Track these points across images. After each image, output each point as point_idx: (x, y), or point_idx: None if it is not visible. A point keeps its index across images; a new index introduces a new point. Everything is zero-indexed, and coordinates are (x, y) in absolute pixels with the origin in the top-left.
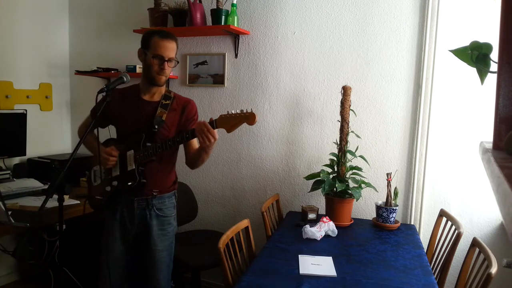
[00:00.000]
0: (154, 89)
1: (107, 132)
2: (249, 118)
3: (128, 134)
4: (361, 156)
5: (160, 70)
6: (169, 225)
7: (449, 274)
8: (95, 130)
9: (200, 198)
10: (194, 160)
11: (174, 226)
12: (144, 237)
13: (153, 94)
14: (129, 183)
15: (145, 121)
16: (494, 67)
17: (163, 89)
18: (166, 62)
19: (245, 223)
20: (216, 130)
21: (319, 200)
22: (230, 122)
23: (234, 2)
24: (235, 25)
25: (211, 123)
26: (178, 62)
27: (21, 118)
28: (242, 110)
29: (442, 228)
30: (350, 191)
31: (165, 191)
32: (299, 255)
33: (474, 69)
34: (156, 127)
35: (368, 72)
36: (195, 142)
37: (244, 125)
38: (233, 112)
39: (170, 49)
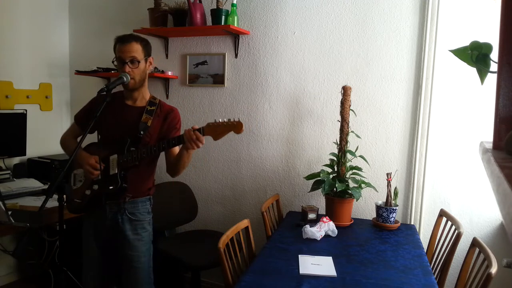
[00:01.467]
0: (135, 94)
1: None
2: (236, 127)
3: (112, 139)
4: (361, 156)
5: (121, 73)
6: (143, 229)
7: (449, 274)
8: (79, 137)
9: (200, 198)
10: (175, 165)
11: (150, 231)
12: (119, 242)
13: (135, 99)
14: (111, 187)
15: (130, 126)
16: (494, 67)
17: (147, 95)
18: (126, 64)
19: (245, 223)
20: (203, 137)
21: (319, 200)
22: (217, 130)
23: (234, 2)
24: (235, 25)
25: (198, 131)
26: (147, 62)
27: (21, 118)
28: (229, 119)
29: (442, 228)
30: (350, 191)
31: (139, 196)
32: (299, 255)
33: (474, 69)
34: (141, 132)
35: (368, 72)
36: (176, 149)
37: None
38: (220, 120)
39: (127, 51)
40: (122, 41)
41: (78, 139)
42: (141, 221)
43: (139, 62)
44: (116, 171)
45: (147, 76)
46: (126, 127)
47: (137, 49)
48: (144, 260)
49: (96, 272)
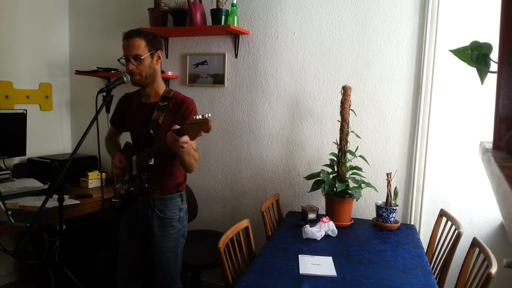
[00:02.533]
0: (147, 90)
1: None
2: (202, 125)
3: (134, 137)
4: (361, 156)
5: (127, 70)
6: (171, 227)
7: (449, 274)
8: (116, 136)
9: (200, 198)
10: (180, 162)
11: (179, 228)
12: (148, 237)
13: (149, 96)
14: (131, 188)
15: (144, 124)
16: (494, 67)
17: (160, 90)
18: (129, 62)
19: (245, 223)
20: (186, 137)
21: (319, 200)
22: (193, 129)
23: (234, 2)
24: (235, 25)
25: (177, 132)
26: (154, 57)
27: (21, 118)
28: (203, 115)
29: (442, 228)
30: (350, 191)
31: (168, 193)
32: (299, 255)
33: (474, 69)
34: (151, 131)
35: (368, 72)
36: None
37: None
38: (196, 117)
39: (130, 47)
40: (125, 37)
41: (119, 139)
42: (170, 219)
43: (142, 58)
44: (136, 172)
45: (157, 71)
46: (141, 125)
47: (139, 45)
48: (169, 255)
49: (127, 267)
